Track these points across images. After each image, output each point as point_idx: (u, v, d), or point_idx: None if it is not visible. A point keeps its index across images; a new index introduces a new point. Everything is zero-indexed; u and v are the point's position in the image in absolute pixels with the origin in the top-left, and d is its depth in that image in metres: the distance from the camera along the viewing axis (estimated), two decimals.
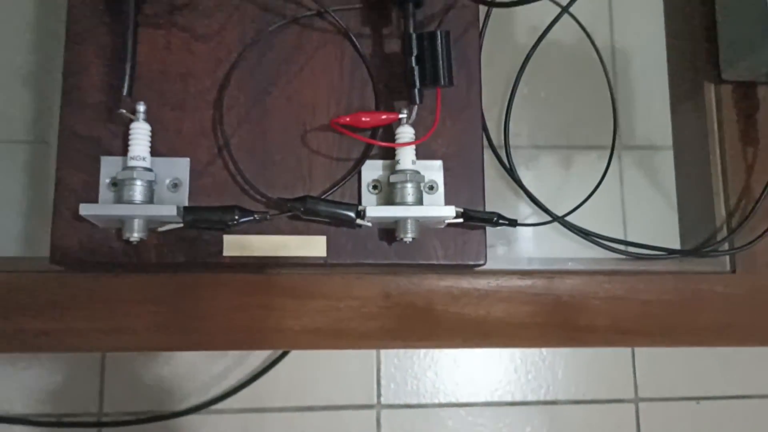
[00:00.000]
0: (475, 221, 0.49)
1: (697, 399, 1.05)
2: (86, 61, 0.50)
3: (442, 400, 1.00)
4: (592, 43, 0.60)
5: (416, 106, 0.49)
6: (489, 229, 0.53)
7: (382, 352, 0.99)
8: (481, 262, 0.51)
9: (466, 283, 0.54)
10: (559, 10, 0.56)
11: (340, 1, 0.53)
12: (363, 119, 0.49)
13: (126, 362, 0.96)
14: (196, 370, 0.97)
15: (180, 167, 0.49)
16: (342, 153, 0.51)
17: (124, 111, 0.47)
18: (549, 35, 0.59)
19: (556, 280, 0.55)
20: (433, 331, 0.54)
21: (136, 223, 0.46)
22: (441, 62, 0.47)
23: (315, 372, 0.98)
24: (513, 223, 0.50)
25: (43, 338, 0.51)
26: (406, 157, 0.49)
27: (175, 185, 0.49)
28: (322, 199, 0.49)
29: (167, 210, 0.46)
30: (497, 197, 0.57)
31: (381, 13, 0.53)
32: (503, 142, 0.58)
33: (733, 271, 0.57)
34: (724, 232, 0.57)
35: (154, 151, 0.49)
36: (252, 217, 0.48)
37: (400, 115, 0.49)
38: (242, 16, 0.52)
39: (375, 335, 0.54)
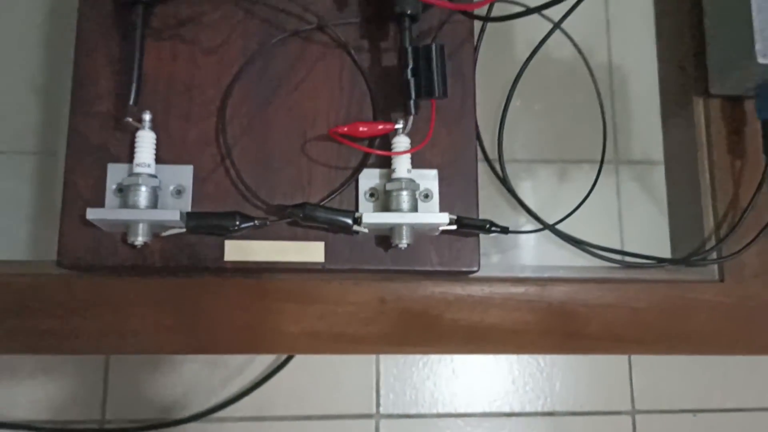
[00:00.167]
0: (469, 228, 0.51)
1: (694, 411, 1.06)
2: (95, 72, 0.52)
3: (441, 410, 1.01)
4: (584, 59, 0.62)
5: (412, 117, 0.50)
6: (483, 238, 0.54)
7: (382, 361, 1.00)
8: (475, 268, 0.53)
9: (460, 289, 0.55)
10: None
11: (340, 16, 0.54)
12: (361, 129, 0.51)
13: (129, 369, 0.97)
14: (198, 378, 0.99)
15: (184, 174, 0.51)
16: (340, 162, 0.53)
17: (130, 120, 0.49)
18: (545, 49, 0.61)
19: (548, 287, 0.56)
20: (428, 337, 0.55)
21: (141, 228, 0.48)
22: (435, 75, 0.49)
23: (315, 381, 0.99)
24: (505, 230, 0.52)
25: (50, 339, 0.52)
26: (402, 166, 0.50)
27: (179, 192, 0.51)
28: (320, 206, 0.50)
29: (171, 215, 0.48)
30: (491, 207, 0.59)
31: (379, 27, 0.54)
32: (497, 153, 0.60)
33: (722, 280, 0.58)
34: (713, 242, 0.58)
35: (159, 159, 0.50)
36: (252, 223, 0.50)
37: (397, 126, 0.51)
38: (245, 29, 0.54)
39: (371, 340, 0.55)
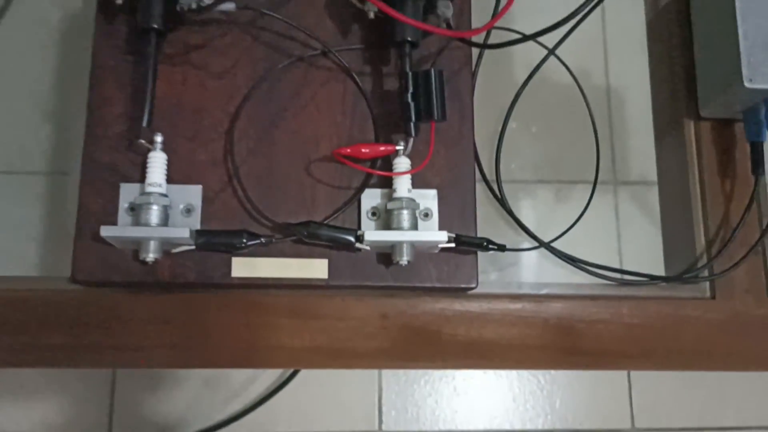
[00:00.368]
0: (467, 246, 0.53)
1: (693, 430, 1.07)
2: (109, 96, 0.54)
3: (442, 427, 1.02)
4: (578, 83, 0.64)
5: (412, 139, 0.52)
6: (482, 256, 0.56)
7: (384, 378, 1.01)
8: (473, 285, 0.54)
9: (459, 305, 0.57)
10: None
11: (343, 42, 0.57)
12: (363, 150, 0.53)
13: (135, 385, 0.99)
14: (203, 395, 1.00)
15: (193, 194, 0.53)
16: (343, 182, 0.55)
17: (143, 141, 0.51)
18: (541, 73, 0.63)
19: (544, 303, 0.57)
20: (428, 352, 0.57)
21: (152, 245, 0.50)
22: (435, 99, 0.51)
23: (318, 398, 1.01)
24: (502, 247, 0.53)
25: (62, 354, 0.54)
26: (403, 186, 0.52)
27: (189, 210, 0.53)
28: (324, 224, 0.52)
29: (181, 233, 0.49)
30: (489, 226, 0.60)
31: (380, 53, 0.57)
32: (495, 173, 0.62)
33: (713, 297, 0.59)
34: (705, 260, 0.60)
35: (170, 179, 0.52)
36: (259, 241, 0.51)
37: (397, 147, 0.53)
38: (252, 55, 0.56)
39: (372, 355, 0.56)
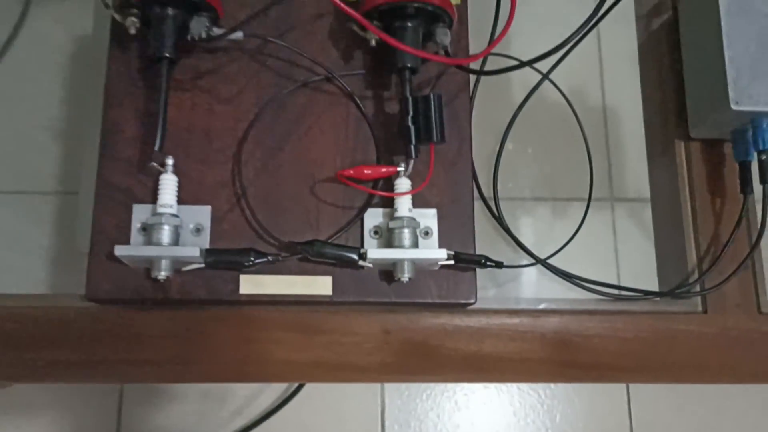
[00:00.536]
0: (466, 263, 0.55)
1: None
2: (122, 121, 0.56)
3: None
4: (570, 105, 0.66)
5: (412, 161, 0.54)
6: (481, 273, 0.58)
7: (387, 393, 1.03)
8: (472, 300, 0.56)
9: (458, 320, 0.59)
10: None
11: (346, 68, 0.59)
12: (365, 172, 0.55)
13: (142, 401, 1.00)
14: (208, 410, 1.01)
15: (202, 214, 0.55)
16: (346, 202, 0.57)
17: (155, 164, 0.53)
18: (540, 94, 0.65)
19: (541, 318, 0.59)
20: (429, 366, 0.58)
21: (164, 263, 0.51)
22: (434, 122, 0.53)
23: (321, 412, 1.02)
24: (499, 264, 0.55)
25: (76, 369, 0.55)
26: (404, 205, 0.54)
27: (198, 230, 0.55)
28: (328, 242, 0.54)
29: (191, 252, 0.52)
30: (488, 243, 0.62)
31: (382, 78, 0.59)
32: (492, 193, 0.64)
33: (705, 312, 0.61)
34: (696, 276, 0.62)
35: (180, 200, 0.54)
36: (266, 259, 0.53)
37: (399, 169, 0.55)
38: (259, 80, 0.58)
39: (375, 369, 0.58)
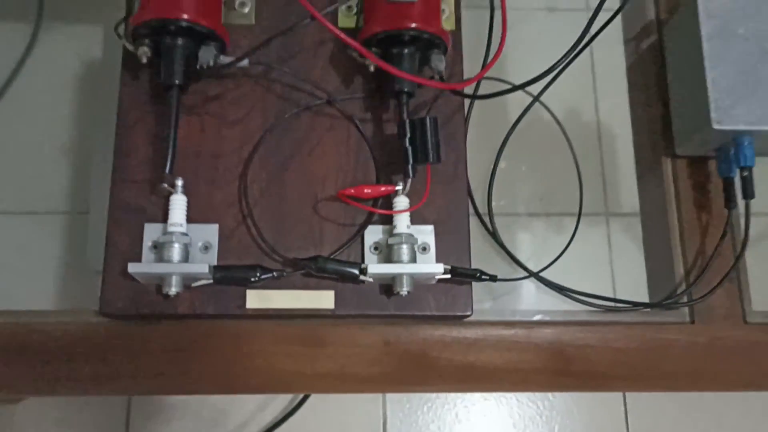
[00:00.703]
0: (462, 277, 0.57)
1: None
2: (133, 144, 0.59)
3: None
4: (560, 125, 0.69)
5: (410, 180, 0.56)
6: (478, 287, 0.60)
7: (388, 406, 1.05)
8: (468, 312, 0.59)
9: (456, 332, 0.61)
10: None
11: (346, 92, 0.62)
12: (365, 191, 0.57)
13: (149, 415, 1.03)
14: (214, 422, 1.04)
15: (211, 232, 0.57)
16: (347, 220, 0.59)
17: (165, 185, 0.56)
18: (534, 114, 0.68)
19: (535, 330, 0.61)
20: (428, 376, 0.60)
21: (174, 280, 0.54)
22: (430, 143, 0.55)
23: (324, 426, 1.04)
24: (494, 278, 0.58)
25: (92, 382, 0.57)
26: (402, 222, 0.57)
27: (207, 247, 0.57)
28: (330, 258, 0.57)
29: (200, 268, 0.54)
30: (485, 259, 0.64)
31: (380, 101, 0.62)
32: (487, 209, 0.67)
33: (693, 322, 0.63)
34: (684, 287, 0.64)
35: (189, 219, 0.57)
36: (271, 275, 0.56)
37: (397, 187, 0.57)
38: (264, 105, 0.61)
39: (377, 379, 0.60)
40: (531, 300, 0.71)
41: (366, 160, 0.61)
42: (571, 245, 1.06)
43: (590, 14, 0.58)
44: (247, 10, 0.62)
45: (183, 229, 0.56)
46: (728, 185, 0.63)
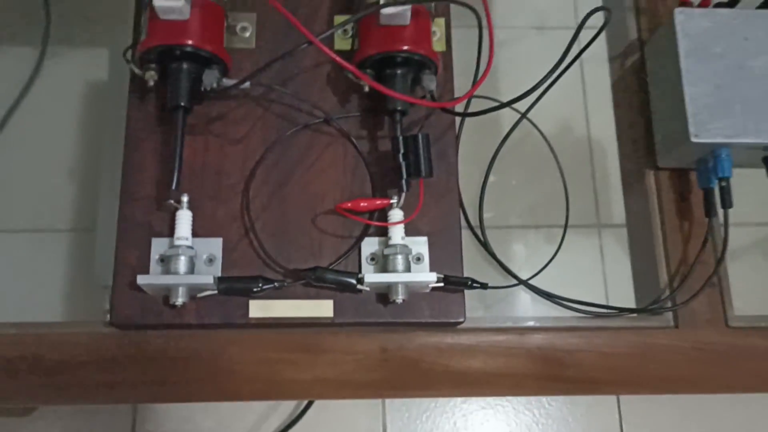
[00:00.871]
0: (454, 285, 0.60)
1: None
2: (141, 163, 0.62)
3: None
4: (546, 140, 0.72)
5: (404, 193, 0.59)
6: (471, 296, 0.62)
7: (388, 416, 1.07)
8: (461, 319, 0.61)
9: (450, 339, 0.63)
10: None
11: (343, 111, 0.65)
12: (362, 204, 0.60)
13: (156, 422, 1.04)
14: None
15: (215, 245, 0.60)
16: (345, 232, 0.62)
17: (172, 201, 0.59)
18: (528, 128, 0.71)
19: (526, 335, 0.64)
20: (424, 382, 0.63)
21: (181, 291, 0.57)
22: (422, 158, 0.58)
23: None
24: (485, 285, 0.61)
25: (103, 390, 0.60)
26: (397, 234, 0.60)
27: (211, 260, 0.60)
28: (329, 269, 0.59)
29: (205, 279, 0.57)
30: (476, 268, 0.67)
31: (375, 119, 0.65)
32: (479, 221, 0.70)
33: (677, 326, 0.66)
34: (667, 293, 0.67)
35: (194, 233, 0.59)
36: (273, 285, 0.58)
37: (392, 201, 0.60)
38: (264, 124, 0.64)
39: (374, 385, 0.62)
40: (523, 309, 0.74)
41: (362, 175, 0.63)
42: (566, 256, 1.09)
43: (579, 33, 0.61)
44: (248, 35, 0.65)
45: (189, 243, 0.58)
46: (708, 195, 0.66)
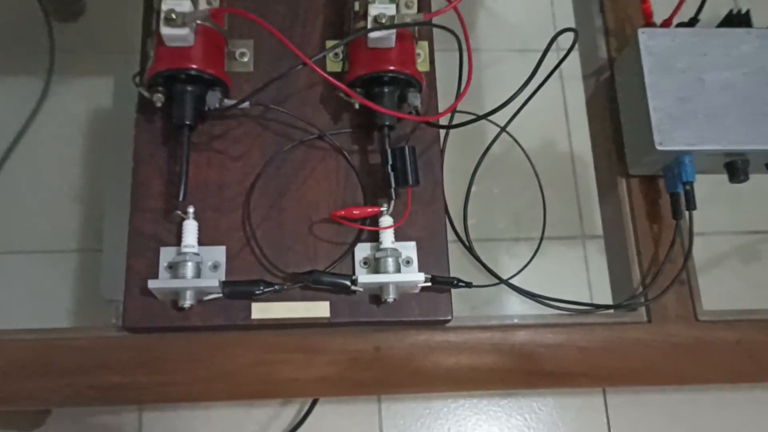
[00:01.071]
0: (441, 284, 0.64)
1: None
2: (149, 178, 0.66)
3: None
4: (525, 153, 0.77)
5: (393, 201, 0.64)
6: (459, 298, 0.66)
7: (384, 422, 1.11)
8: (449, 317, 0.66)
9: (439, 336, 0.66)
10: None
11: (335, 127, 0.69)
12: (354, 212, 0.65)
13: (161, 426, 1.07)
14: None
15: (219, 253, 0.64)
16: (339, 238, 0.66)
17: (179, 212, 0.63)
18: (511, 142, 0.75)
19: (510, 332, 0.67)
20: (416, 379, 0.66)
21: (188, 294, 0.61)
22: (409, 169, 0.63)
23: None
24: (469, 284, 0.65)
25: (116, 392, 0.63)
26: (387, 239, 0.64)
27: (216, 266, 0.64)
28: (325, 272, 0.64)
29: (211, 283, 0.61)
30: (461, 271, 0.71)
31: (365, 134, 0.69)
32: (463, 226, 0.75)
33: (649, 321, 0.70)
34: (640, 290, 0.72)
35: (200, 242, 0.63)
36: (273, 288, 0.62)
37: (382, 208, 0.64)
38: (263, 141, 0.68)
39: (369, 383, 0.66)
40: (505, 307, 0.79)
41: (354, 186, 0.68)
42: (552, 265, 1.14)
43: (560, 54, 0.66)
44: (246, 59, 0.70)
45: (195, 250, 0.63)
46: (675, 199, 0.71)
